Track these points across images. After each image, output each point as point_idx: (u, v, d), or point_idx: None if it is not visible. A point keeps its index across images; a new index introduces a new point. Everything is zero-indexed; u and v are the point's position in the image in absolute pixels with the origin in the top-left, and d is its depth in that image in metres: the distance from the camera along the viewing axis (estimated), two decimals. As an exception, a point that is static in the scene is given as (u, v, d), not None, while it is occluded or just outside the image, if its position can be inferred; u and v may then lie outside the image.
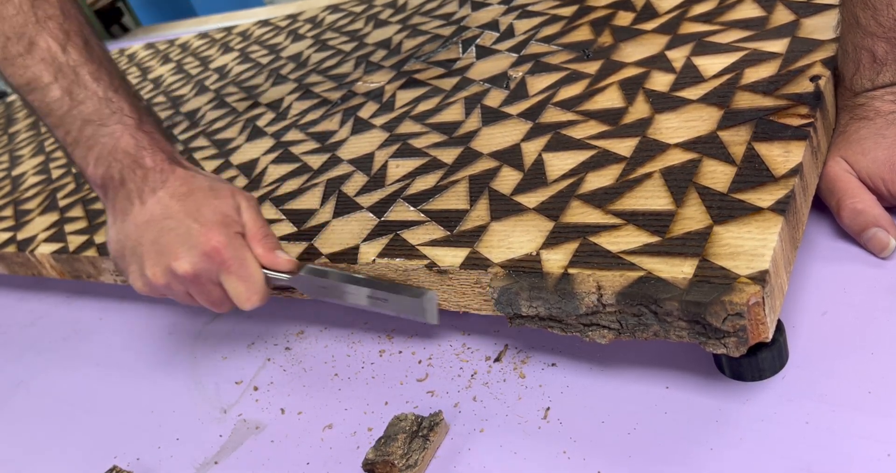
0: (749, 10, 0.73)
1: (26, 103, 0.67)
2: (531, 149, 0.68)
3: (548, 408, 0.56)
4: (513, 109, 0.75)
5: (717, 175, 0.55)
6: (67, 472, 0.70)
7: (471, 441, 0.56)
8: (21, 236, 0.98)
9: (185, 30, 1.84)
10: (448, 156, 0.73)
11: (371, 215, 0.69)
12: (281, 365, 0.72)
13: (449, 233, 0.62)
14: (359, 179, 0.76)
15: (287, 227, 0.73)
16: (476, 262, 0.57)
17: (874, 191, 0.57)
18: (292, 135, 0.92)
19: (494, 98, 0.79)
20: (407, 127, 0.82)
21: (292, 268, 0.64)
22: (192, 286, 0.63)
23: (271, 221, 0.75)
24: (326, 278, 0.63)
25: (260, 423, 0.66)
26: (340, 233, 0.68)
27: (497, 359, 0.62)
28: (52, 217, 1.00)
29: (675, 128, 0.62)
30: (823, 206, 0.60)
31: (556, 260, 0.54)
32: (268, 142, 0.94)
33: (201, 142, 1.03)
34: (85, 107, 0.64)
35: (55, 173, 1.17)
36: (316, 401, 0.66)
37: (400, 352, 0.67)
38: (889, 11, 0.54)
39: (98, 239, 0.88)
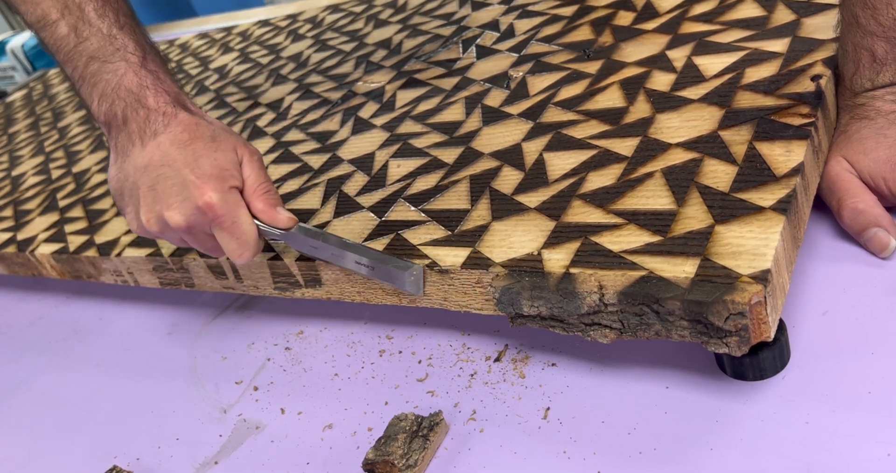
0: (750, 10, 0.73)
1: (40, 40, 0.67)
2: (532, 149, 0.68)
3: (548, 408, 0.56)
4: (513, 109, 0.75)
5: (718, 174, 0.55)
6: (67, 472, 0.70)
7: (471, 441, 0.56)
8: (21, 236, 0.98)
9: (185, 30, 1.83)
10: (449, 155, 0.73)
11: (372, 215, 0.69)
12: (281, 365, 0.72)
13: (450, 232, 0.62)
14: (359, 179, 0.76)
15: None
16: (477, 262, 0.57)
17: (875, 190, 0.57)
18: (292, 135, 0.92)
19: (495, 98, 0.79)
20: (407, 127, 0.82)
21: (291, 226, 0.63)
22: (185, 235, 0.63)
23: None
24: (317, 239, 0.62)
25: (260, 423, 0.66)
26: (341, 233, 0.68)
27: (497, 359, 0.62)
28: (53, 217, 1.00)
29: (677, 127, 0.62)
30: (823, 206, 0.60)
31: (557, 259, 0.54)
32: (268, 142, 0.94)
33: (201, 142, 1.03)
34: (90, 43, 0.64)
35: (55, 173, 1.16)
36: (316, 401, 0.66)
37: (400, 352, 0.67)
38: (889, 11, 0.54)
39: (98, 239, 0.88)
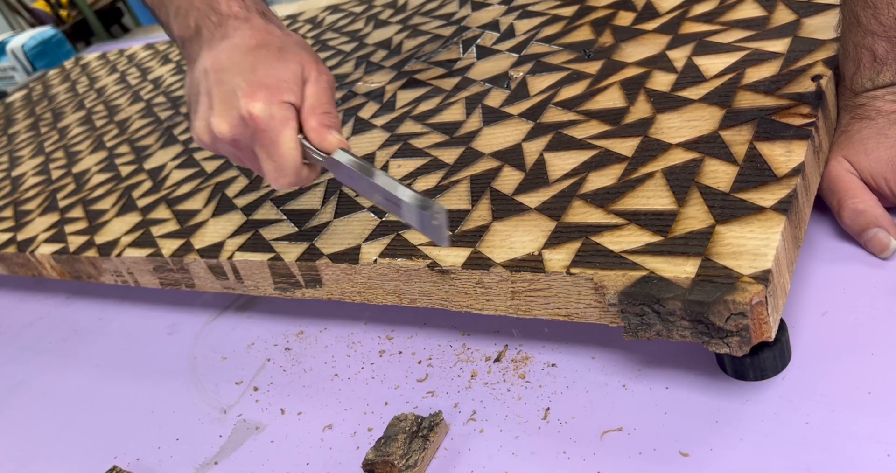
0: (750, 10, 0.73)
1: None
2: (532, 149, 0.68)
3: (548, 408, 0.56)
4: (514, 109, 0.75)
5: (719, 174, 0.55)
6: (67, 472, 0.70)
7: (471, 441, 0.56)
8: (21, 237, 0.98)
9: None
10: (449, 156, 0.73)
11: (372, 215, 0.69)
12: (281, 366, 0.72)
13: (450, 232, 0.62)
14: (359, 179, 0.76)
15: (288, 228, 0.73)
16: (478, 262, 0.57)
17: (876, 190, 0.57)
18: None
19: (495, 98, 0.79)
20: (408, 127, 0.82)
21: (338, 148, 0.59)
22: (232, 148, 0.60)
23: (272, 222, 0.75)
24: (355, 171, 0.58)
25: (260, 423, 0.66)
26: (342, 234, 0.68)
27: (497, 360, 0.62)
28: (53, 217, 1.00)
29: (677, 127, 0.62)
30: (823, 206, 0.60)
31: (558, 259, 0.54)
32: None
33: (201, 142, 1.03)
34: None
35: (55, 174, 1.16)
36: (316, 401, 0.66)
37: (400, 352, 0.67)
38: (890, 10, 0.54)
39: (98, 239, 0.88)
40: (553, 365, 0.60)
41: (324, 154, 0.59)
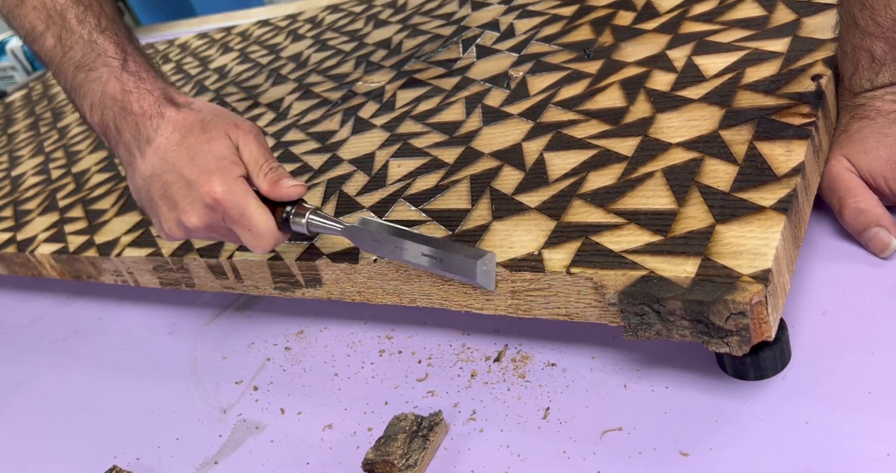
0: (750, 10, 0.73)
1: (34, 53, 0.67)
2: (532, 149, 0.68)
3: (548, 408, 0.56)
4: (514, 109, 0.75)
5: (718, 174, 0.55)
6: (67, 472, 0.70)
7: (471, 441, 0.56)
8: (21, 236, 0.98)
9: (185, 30, 1.83)
10: (449, 155, 0.73)
11: (372, 215, 0.69)
12: (281, 365, 0.72)
13: (450, 232, 0.62)
14: (360, 179, 0.76)
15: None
16: (477, 262, 0.57)
17: (876, 189, 0.57)
18: (292, 135, 0.92)
19: (495, 97, 0.79)
20: (408, 126, 0.82)
21: (300, 194, 0.61)
22: (210, 233, 0.62)
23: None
24: (382, 232, 0.59)
25: (260, 423, 0.66)
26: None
27: (497, 359, 0.62)
28: (52, 217, 1.00)
29: (677, 127, 0.62)
30: (824, 205, 0.60)
31: (558, 259, 0.54)
32: (268, 142, 0.93)
33: (201, 141, 1.03)
34: (74, 52, 0.64)
35: (55, 173, 1.16)
36: (316, 401, 0.66)
37: (400, 352, 0.67)
38: (887, 11, 0.54)
39: (98, 239, 0.88)
40: (553, 364, 0.60)
41: (343, 224, 0.61)
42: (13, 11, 0.66)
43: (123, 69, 0.63)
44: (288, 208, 0.62)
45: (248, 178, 0.61)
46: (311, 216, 0.61)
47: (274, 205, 0.61)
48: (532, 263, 0.54)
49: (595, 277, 0.51)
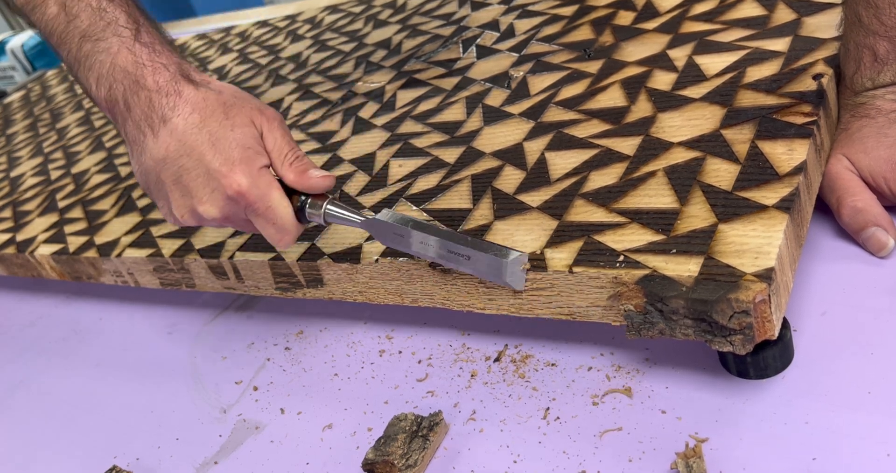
0: (750, 9, 0.73)
1: (31, 24, 0.63)
2: (533, 148, 0.68)
3: (548, 408, 0.56)
4: (514, 109, 0.75)
5: (721, 173, 0.55)
6: (67, 472, 0.69)
7: (471, 441, 0.56)
8: (20, 237, 0.98)
9: (184, 30, 1.83)
10: (450, 155, 0.72)
11: (373, 214, 0.69)
12: (281, 365, 0.71)
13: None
14: (360, 179, 0.76)
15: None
16: (478, 261, 0.57)
17: (875, 189, 0.57)
18: (293, 136, 0.92)
19: (496, 97, 0.79)
20: (408, 126, 0.81)
21: (328, 185, 0.58)
22: (223, 223, 0.59)
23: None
24: (405, 226, 0.56)
25: (260, 423, 0.66)
26: (343, 233, 0.68)
27: (497, 359, 0.62)
28: (52, 218, 0.99)
29: (678, 126, 0.62)
30: (823, 205, 0.60)
31: (560, 258, 0.54)
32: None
33: (201, 142, 1.03)
34: (80, 21, 0.59)
35: (54, 174, 1.16)
36: (316, 401, 0.66)
37: (400, 352, 0.67)
38: (891, 10, 0.54)
39: (98, 240, 0.87)
40: (553, 364, 0.60)
41: (363, 216, 0.58)
42: None
43: (136, 40, 0.59)
44: (303, 197, 0.59)
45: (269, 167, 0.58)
46: (328, 206, 0.59)
47: (289, 194, 0.59)
48: (534, 262, 0.54)
49: (597, 276, 0.51)
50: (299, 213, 0.59)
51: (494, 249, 0.54)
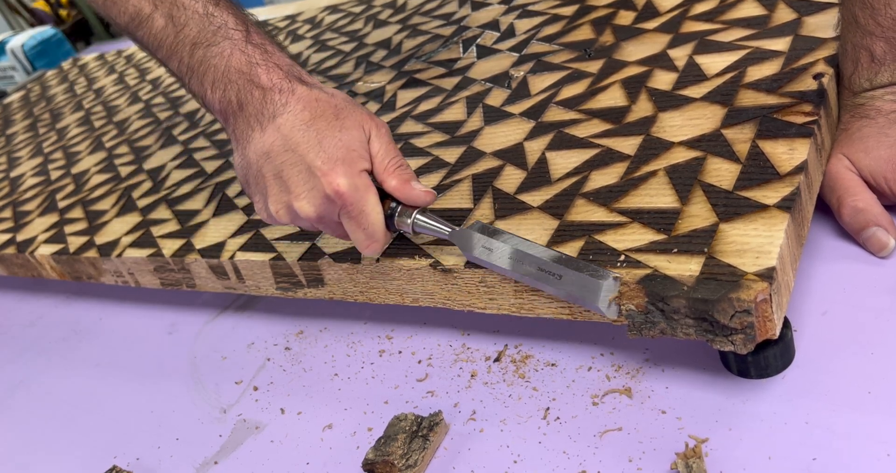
0: (750, 9, 0.73)
1: (137, 41, 0.63)
2: (534, 148, 0.68)
3: (548, 408, 0.56)
4: (515, 108, 0.75)
5: (721, 173, 0.55)
6: (67, 472, 0.69)
7: (471, 441, 0.56)
8: (21, 237, 0.98)
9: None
10: (451, 155, 0.72)
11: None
12: (281, 365, 0.71)
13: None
14: (360, 178, 0.75)
15: (290, 227, 0.73)
16: (479, 261, 0.57)
17: (876, 189, 0.57)
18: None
19: (496, 97, 0.79)
20: (408, 126, 0.81)
21: (429, 200, 0.58)
22: (315, 223, 0.59)
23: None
24: (495, 239, 0.55)
25: (260, 423, 0.66)
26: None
27: (497, 359, 0.62)
28: (52, 218, 0.99)
29: (679, 126, 0.62)
30: (823, 205, 0.60)
31: (559, 258, 0.53)
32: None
33: (201, 142, 1.03)
34: (189, 29, 0.59)
35: (54, 174, 1.16)
36: (316, 401, 0.66)
37: (400, 352, 0.67)
38: (887, 11, 0.54)
39: (99, 240, 0.87)
40: (553, 364, 0.60)
41: (452, 227, 0.57)
42: None
43: (247, 41, 0.59)
44: (393, 205, 0.58)
45: (370, 174, 0.58)
46: (419, 215, 0.58)
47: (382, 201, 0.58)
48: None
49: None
50: (388, 220, 0.59)
51: (589, 269, 0.51)
